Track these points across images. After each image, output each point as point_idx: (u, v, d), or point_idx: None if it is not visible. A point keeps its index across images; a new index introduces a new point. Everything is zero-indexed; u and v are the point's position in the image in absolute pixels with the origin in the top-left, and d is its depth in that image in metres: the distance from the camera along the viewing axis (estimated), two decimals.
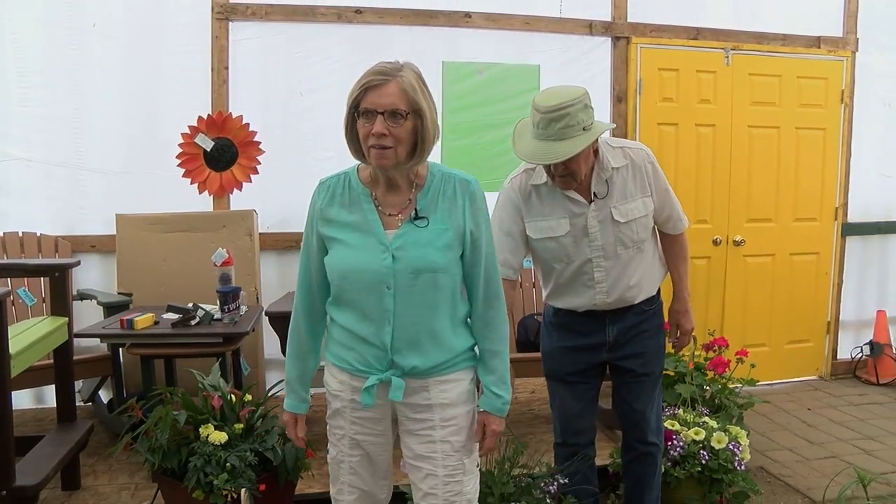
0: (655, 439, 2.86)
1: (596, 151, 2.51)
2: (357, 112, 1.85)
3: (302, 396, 2.12)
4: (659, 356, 2.81)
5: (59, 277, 3.35)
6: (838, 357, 5.55)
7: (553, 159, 2.34)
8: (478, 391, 2.09)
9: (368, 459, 2.07)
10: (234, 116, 4.37)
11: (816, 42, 5.20)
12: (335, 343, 2.04)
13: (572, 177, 2.44)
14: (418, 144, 1.88)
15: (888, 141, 5.43)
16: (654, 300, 2.75)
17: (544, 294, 2.81)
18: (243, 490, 1.73)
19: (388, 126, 1.82)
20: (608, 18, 4.85)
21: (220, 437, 2.72)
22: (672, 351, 3.07)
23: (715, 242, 5.09)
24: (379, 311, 1.93)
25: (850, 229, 5.44)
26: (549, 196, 2.56)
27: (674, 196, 2.69)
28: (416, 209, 1.95)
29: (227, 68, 4.38)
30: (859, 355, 5.50)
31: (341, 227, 1.97)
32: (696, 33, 4.96)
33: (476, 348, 2.06)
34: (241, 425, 2.83)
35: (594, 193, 2.53)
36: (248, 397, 2.99)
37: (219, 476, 2.63)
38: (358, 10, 4.47)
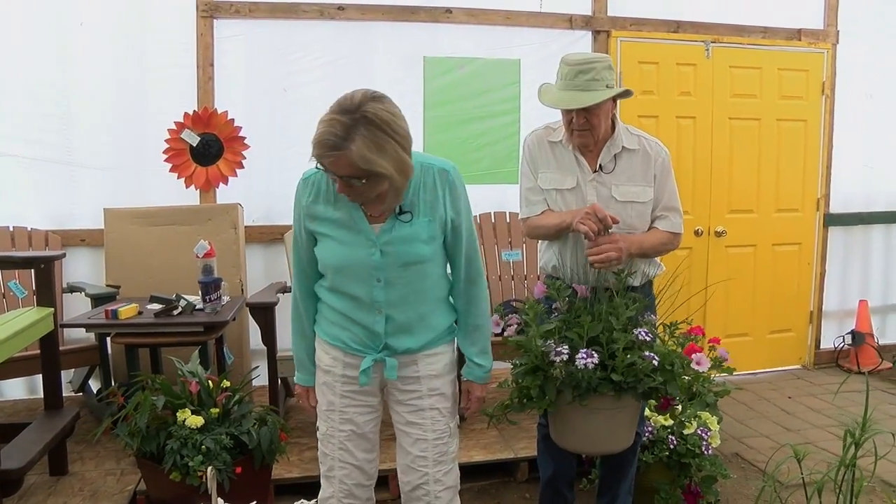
0: (638, 429, 2.85)
1: (613, 127, 2.60)
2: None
3: (311, 371, 2.27)
4: None
5: (44, 269, 3.43)
6: (821, 346, 5.62)
7: (579, 104, 2.44)
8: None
9: (357, 434, 2.19)
10: (219, 112, 4.45)
11: (797, 34, 5.25)
12: (328, 322, 2.17)
13: (591, 132, 2.53)
14: (388, 192, 1.90)
15: (869, 132, 5.49)
16: (647, 291, 2.74)
17: (540, 264, 2.83)
18: (209, 469, 1.81)
19: (347, 189, 1.88)
20: (588, 12, 4.92)
21: (196, 421, 2.82)
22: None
23: (697, 233, 5.16)
24: (370, 301, 2.07)
25: (832, 220, 5.50)
26: (562, 154, 2.63)
27: (677, 203, 2.69)
28: (400, 205, 2.02)
29: (212, 65, 4.46)
30: (841, 345, 5.56)
31: (328, 223, 2.05)
32: (677, 26, 5.02)
33: (455, 322, 2.25)
34: (218, 410, 2.92)
35: (600, 166, 2.60)
36: (226, 383, 3.09)
37: (194, 458, 2.73)
38: (340, 7, 4.54)
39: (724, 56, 5.12)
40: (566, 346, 2.17)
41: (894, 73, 5.48)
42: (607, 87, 2.46)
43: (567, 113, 2.54)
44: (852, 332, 5.50)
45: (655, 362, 2.15)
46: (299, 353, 2.27)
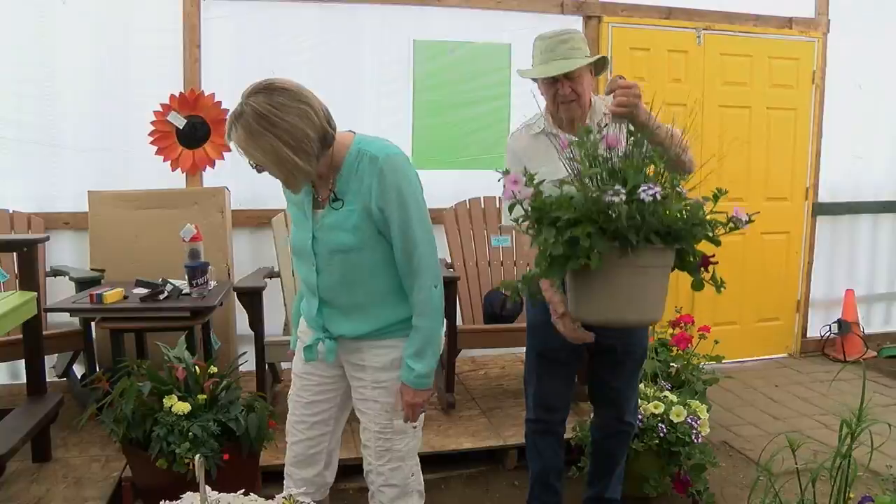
0: (632, 419, 2.88)
1: (590, 102, 2.58)
2: None
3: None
4: (643, 337, 2.77)
5: (27, 253, 3.37)
6: (808, 335, 5.65)
7: (567, 69, 2.44)
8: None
9: (313, 403, 2.29)
10: (206, 94, 4.39)
11: (788, 23, 5.24)
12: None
13: (578, 102, 2.51)
14: (288, 172, 1.96)
15: (858, 122, 5.49)
16: None
17: None
18: (197, 457, 1.78)
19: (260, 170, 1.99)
20: None
21: (183, 407, 2.78)
22: None
23: None
24: (311, 284, 2.17)
25: (820, 209, 5.51)
26: (546, 146, 2.54)
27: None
28: (334, 192, 2.07)
29: (198, 47, 4.39)
30: (828, 333, 5.59)
31: (293, 205, 2.20)
32: (668, 13, 5.00)
33: None
34: (205, 396, 2.88)
35: None
36: (214, 369, 3.04)
37: (181, 445, 2.69)
38: None
39: (715, 43, 5.10)
40: (620, 185, 1.89)
41: (884, 63, 5.49)
42: (586, 57, 2.48)
43: (551, 87, 2.51)
44: (839, 321, 5.53)
45: (704, 210, 1.93)
46: (294, 323, 2.42)
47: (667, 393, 3.44)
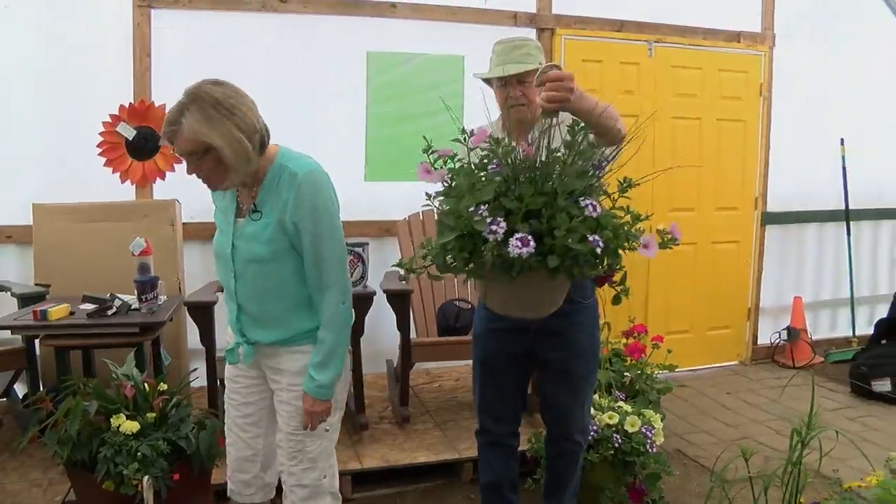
0: (580, 438, 2.80)
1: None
2: None
3: None
4: (586, 353, 2.67)
5: None
6: (758, 342, 5.75)
7: (517, 70, 2.49)
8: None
9: (244, 405, 2.38)
10: (156, 105, 4.30)
11: (736, 37, 5.36)
12: None
13: (528, 108, 2.53)
14: (228, 168, 2.03)
15: (804, 133, 5.61)
16: (588, 292, 2.65)
17: None
18: (146, 478, 1.73)
19: (193, 167, 2.05)
20: (533, 10, 4.92)
21: (131, 426, 2.70)
22: None
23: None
24: (229, 290, 2.26)
25: (769, 218, 5.62)
26: None
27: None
28: (254, 203, 2.17)
29: (149, 56, 4.31)
30: (777, 340, 5.69)
31: (219, 212, 2.30)
32: (620, 26, 5.06)
33: None
34: (154, 414, 2.80)
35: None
36: (164, 386, 2.97)
37: (129, 466, 2.61)
38: (283, 0, 4.44)
39: (666, 56, 5.19)
40: (502, 220, 1.83)
41: (828, 76, 5.62)
42: (540, 63, 2.49)
43: (502, 91, 2.55)
44: (788, 329, 5.64)
45: (599, 248, 1.84)
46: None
47: (621, 403, 3.46)
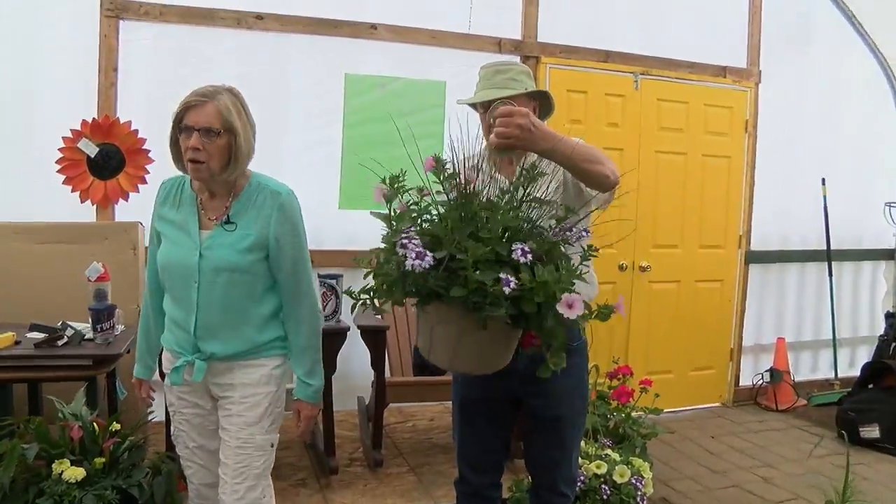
0: (567, 489, 2.56)
1: None
2: (179, 128, 2.13)
3: (149, 365, 2.48)
4: (573, 399, 2.46)
5: None
6: (740, 384, 5.61)
7: (487, 97, 2.36)
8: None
9: (196, 431, 2.33)
10: (121, 122, 4.07)
11: (722, 72, 5.28)
12: (165, 326, 2.35)
13: None
14: (231, 159, 2.14)
15: (787, 171, 5.54)
16: (576, 335, 2.40)
17: None
18: None
19: (202, 142, 2.09)
20: (518, 37, 4.80)
21: (76, 473, 2.46)
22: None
23: (621, 268, 5.06)
24: (187, 302, 2.22)
25: (752, 257, 5.52)
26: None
27: None
28: (227, 215, 2.21)
29: (115, 70, 4.10)
30: (760, 382, 5.56)
31: (168, 224, 2.28)
32: (606, 56, 4.96)
33: (285, 340, 2.32)
34: (104, 459, 2.55)
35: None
36: (116, 426, 2.72)
37: None
38: (259, 16, 4.26)
39: (652, 88, 5.08)
40: (418, 240, 1.76)
41: (813, 114, 5.58)
42: (526, 90, 2.39)
43: (484, 117, 2.39)
44: (770, 370, 5.51)
45: (507, 289, 1.69)
46: (140, 349, 2.46)
47: (608, 451, 3.27)
